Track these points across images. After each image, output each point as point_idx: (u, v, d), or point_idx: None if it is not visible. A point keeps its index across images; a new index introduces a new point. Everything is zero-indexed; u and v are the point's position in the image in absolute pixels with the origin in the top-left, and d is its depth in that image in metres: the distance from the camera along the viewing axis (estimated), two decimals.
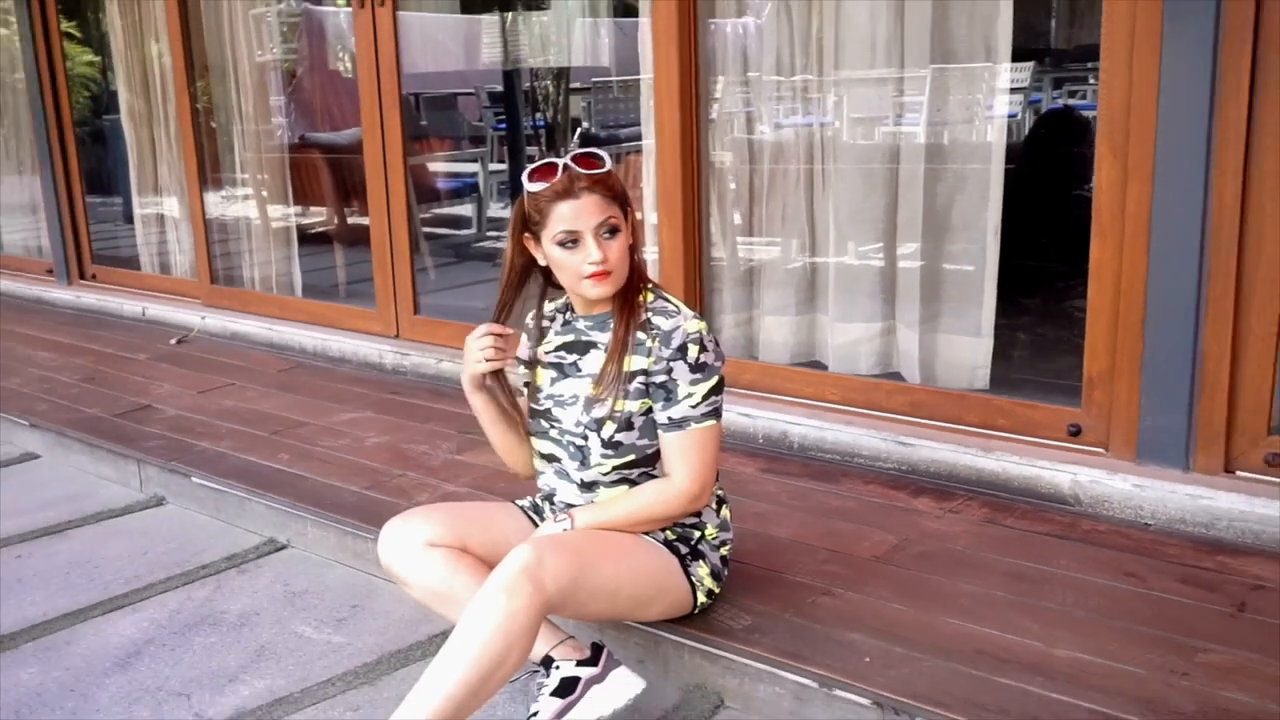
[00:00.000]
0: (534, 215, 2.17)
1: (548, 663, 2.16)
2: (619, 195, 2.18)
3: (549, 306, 2.38)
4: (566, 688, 2.13)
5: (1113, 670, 2.15)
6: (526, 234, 2.23)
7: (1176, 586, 2.48)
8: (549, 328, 2.37)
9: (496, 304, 2.33)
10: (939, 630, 2.33)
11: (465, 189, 7.41)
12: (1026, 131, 6.08)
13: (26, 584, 3.05)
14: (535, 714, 2.13)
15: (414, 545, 2.26)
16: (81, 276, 6.31)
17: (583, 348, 2.31)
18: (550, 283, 2.31)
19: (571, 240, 2.15)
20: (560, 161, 2.15)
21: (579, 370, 2.30)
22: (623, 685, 2.15)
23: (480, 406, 2.39)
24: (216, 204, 5.57)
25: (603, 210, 2.14)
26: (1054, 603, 2.43)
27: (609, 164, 2.18)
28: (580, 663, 2.16)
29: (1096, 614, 2.37)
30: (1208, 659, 2.18)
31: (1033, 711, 2.03)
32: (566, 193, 2.13)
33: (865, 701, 2.13)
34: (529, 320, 2.39)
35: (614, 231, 2.16)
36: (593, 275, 2.15)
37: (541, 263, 2.25)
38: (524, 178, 2.18)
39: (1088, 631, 2.30)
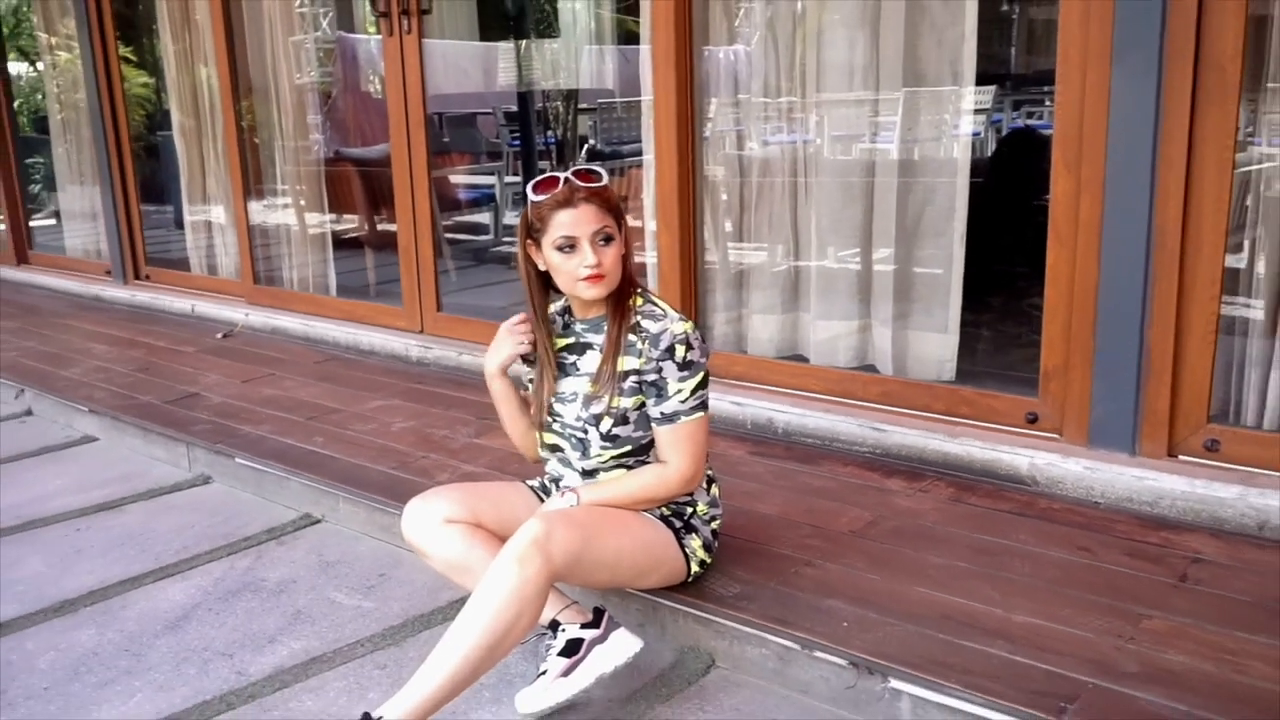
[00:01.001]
0: (536, 223, 2.16)
1: (554, 626, 2.16)
2: (614, 208, 2.17)
3: (549, 309, 2.36)
4: (572, 648, 2.13)
5: (1066, 635, 2.14)
6: (529, 240, 2.21)
7: (1124, 559, 2.48)
8: (551, 329, 2.35)
9: (529, 305, 2.30)
10: (909, 598, 2.32)
11: (483, 199, 7.40)
12: (990, 148, 6.06)
13: (85, 554, 3.05)
14: (544, 672, 2.13)
15: (433, 522, 2.25)
16: (136, 277, 6.30)
17: (580, 349, 2.30)
18: (551, 287, 2.29)
19: (569, 245, 2.13)
20: (561, 175, 2.15)
21: (578, 370, 2.29)
22: (623, 645, 2.15)
23: (500, 393, 2.39)
24: (259, 212, 5.55)
25: (598, 219, 2.13)
26: (1013, 573, 2.42)
27: (605, 179, 2.17)
28: (584, 625, 2.16)
29: (1051, 584, 2.37)
30: (1151, 625, 2.17)
31: (994, 671, 2.02)
32: (566, 202, 2.12)
33: (842, 662, 2.13)
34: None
35: (608, 239, 2.15)
36: (587, 278, 2.14)
37: (541, 268, 2.23)
38: (528, 189, 2.17)
39: (1043, 599, 2.29)
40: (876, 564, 2.49)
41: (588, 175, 2.16)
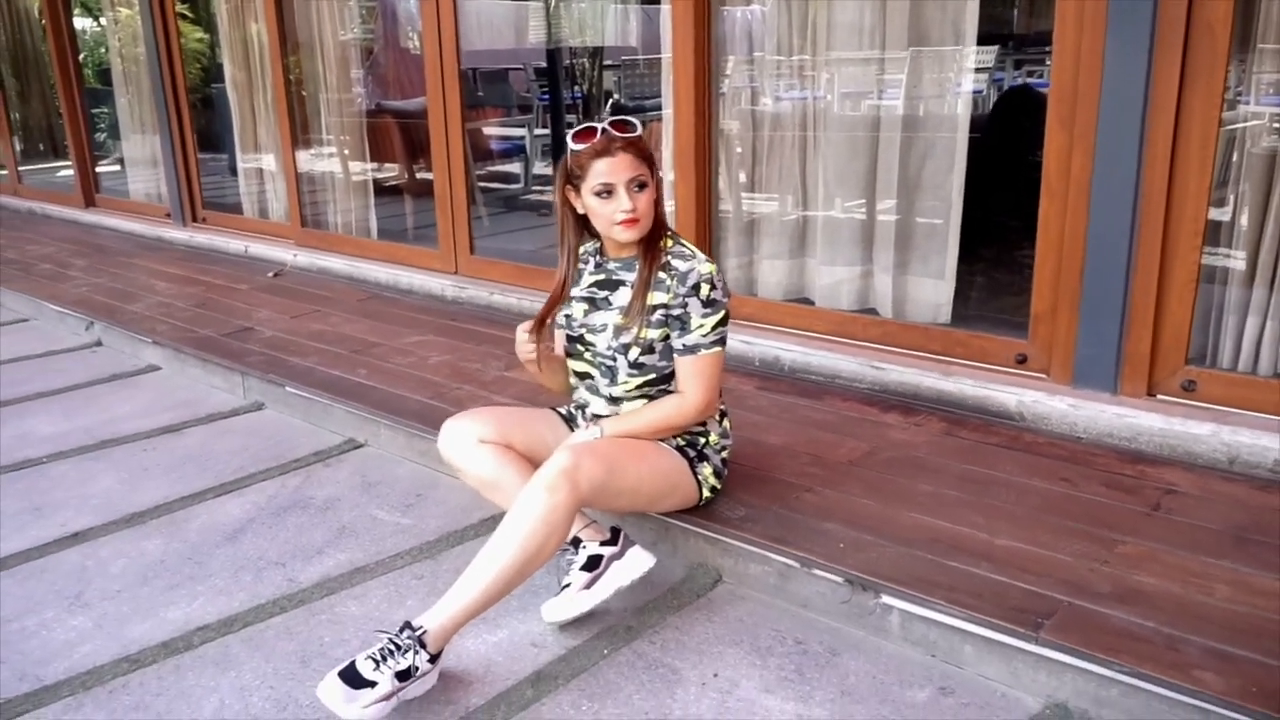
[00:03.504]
0: (575, 170, 2.15)
1: (576, 543, 2.19)
2: (647, 156, 2.16)
3: (581, 250, 2.36)
4: (592, 563, 2.16)
5: (1045, 558, 2.16)
6: (568, 186, 2.21)
7: (1102, 490, 2.48)
8: (583, 269, 2.36)
9: (560, 246, 2.30)
10: (901, 522, 2.34)
11: (514, 150, 7.36)
12: (990, 106, 5.95)
13: (151, 472, 3.10)
14: (567, 585, 2.17)
15: (468, 441, 2.27)
16: (194, 219, 6.31)
17: (612, 285, 2.29)
18: (587, 229, 2.29)
19: (607, 191, 2.13)
20: (599, 125, 2.13)
21: (609, 304, 2.28)
22: (638, 561, 2.18)
23: (533, 374, 2.41)
24: (306, 160, 5.54)
25: (634, 168, 2.12)
26: (998, 501, 2.43)
27: (640, 129, 2.16)
28: (603, 543, 2.19)
29: (1033, 511, 2.38)
30: (1124, 550, 2.19)
31: (977, 589, 2.04)
32: (604, 151, 2.11)
33: (838, 579, 2.15)
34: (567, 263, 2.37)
35: (642, 186, 2.14)
36: (623, 222, 2.14)
37: (580, 212, 2.23)
38: (568, 138, 2.15)
39: (1025, 525, 2.30)
40: (872, 491, 2.51)
41: (624, 125, 2.14)
